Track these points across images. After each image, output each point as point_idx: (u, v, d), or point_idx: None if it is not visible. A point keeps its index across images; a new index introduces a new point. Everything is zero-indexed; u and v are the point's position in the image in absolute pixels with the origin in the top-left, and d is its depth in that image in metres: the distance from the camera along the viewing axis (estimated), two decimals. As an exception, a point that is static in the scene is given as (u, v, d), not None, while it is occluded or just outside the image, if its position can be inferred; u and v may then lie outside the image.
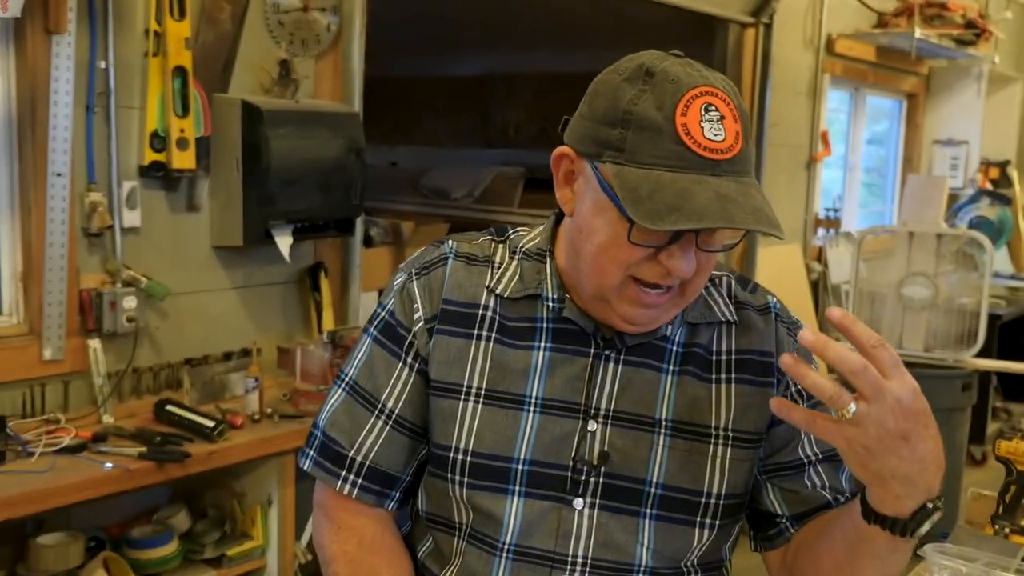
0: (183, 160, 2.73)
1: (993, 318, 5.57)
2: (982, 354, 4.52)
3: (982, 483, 2.33)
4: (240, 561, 2.65)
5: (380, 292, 1.44)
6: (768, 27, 4.86)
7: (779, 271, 5.41)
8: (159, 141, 2.71)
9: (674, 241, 1.08)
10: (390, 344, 1.25)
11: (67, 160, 2.53)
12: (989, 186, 7.08)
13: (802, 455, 1.25)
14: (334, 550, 1.25)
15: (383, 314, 1.27)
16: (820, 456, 1.25)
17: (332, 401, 1.28)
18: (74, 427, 2.47)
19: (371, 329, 1.28)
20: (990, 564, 1.87)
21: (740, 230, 1.12)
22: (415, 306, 1.24)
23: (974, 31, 5.97)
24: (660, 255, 1.09)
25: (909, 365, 3.74)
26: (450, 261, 1.26)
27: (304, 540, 2.91)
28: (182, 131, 2.72)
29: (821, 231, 5.84)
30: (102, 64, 2.60)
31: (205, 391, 2.80)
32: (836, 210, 5.94)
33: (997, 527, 2.15)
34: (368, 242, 3.97)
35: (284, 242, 2.91)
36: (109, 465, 2.28)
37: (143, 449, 2.37)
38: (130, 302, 2.65)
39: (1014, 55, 7.76)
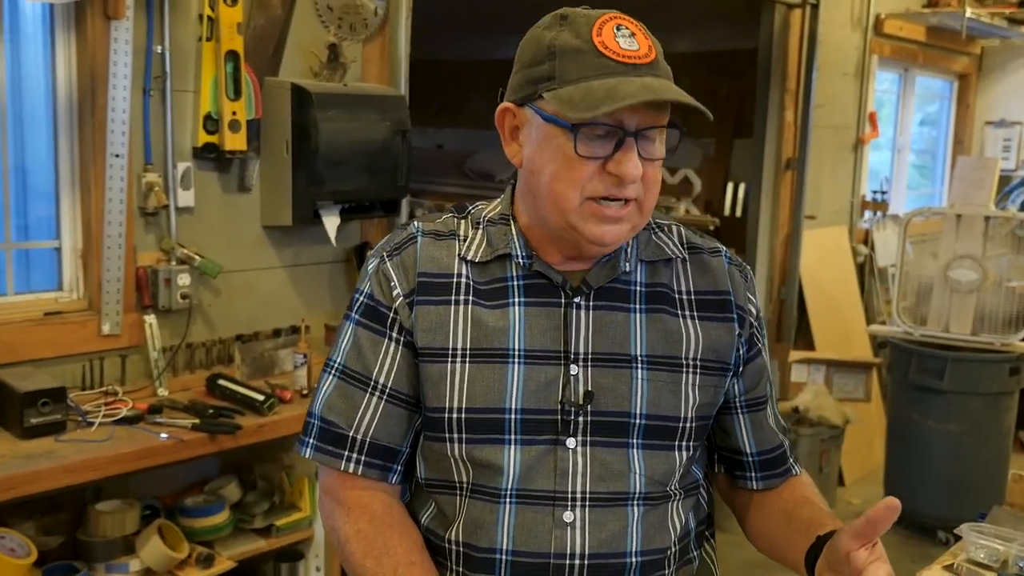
0: (235, 142, 2.81)
1: (1043, 302, 5.52)
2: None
3: (1030, 468, 2.33)
4: (288, 531, 2.74)
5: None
6: (815, 7, 4.83)
7: (824, 253, 5.39)
8: (212, 123, 2.79)
9: (618, 149, 1.19)
10: (373, 324, 1.30)
11: (125, 141, 2.62)
12: (1042, 168, 6.97)
13: (767, 389, 1.42)
14: (347, 531, 1.29)
15: (361, 298, 1.32)
16: (770, 392, 1.42)
17: (324, 388, 1.32)
18: (131, 399, 2.57)
19: (352, 314, 1.33)
20: (1028, 543, 1.90)
21: (671, 142, 1.25)
22: (392, 284, 1.30)
23: (1028, 10, 5.87)
24: (608, 166, 1.20)
25: (956, 349, 3.74)
26: (419, 239, 1.32)
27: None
28: (234, 114, 2.80)
29: (868, 214, 5.80)
30: (158, 49, 2.69)
31: (255, 366, 2.89)
32: (884, 192, 5.89)
33: (1036, 508, 2.17)
34: (414, 223, 4.04)
35: (331, 223, 2.98)
36: (164, 436, 2.38)
37: (196, 421, 2.45)
38: (184, 279, 2.74)
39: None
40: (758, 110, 5.08)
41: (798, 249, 5.02)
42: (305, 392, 2.75)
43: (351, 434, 1.29)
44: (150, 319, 2.72)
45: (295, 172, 2.89)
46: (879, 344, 5.36)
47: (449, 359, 1.26)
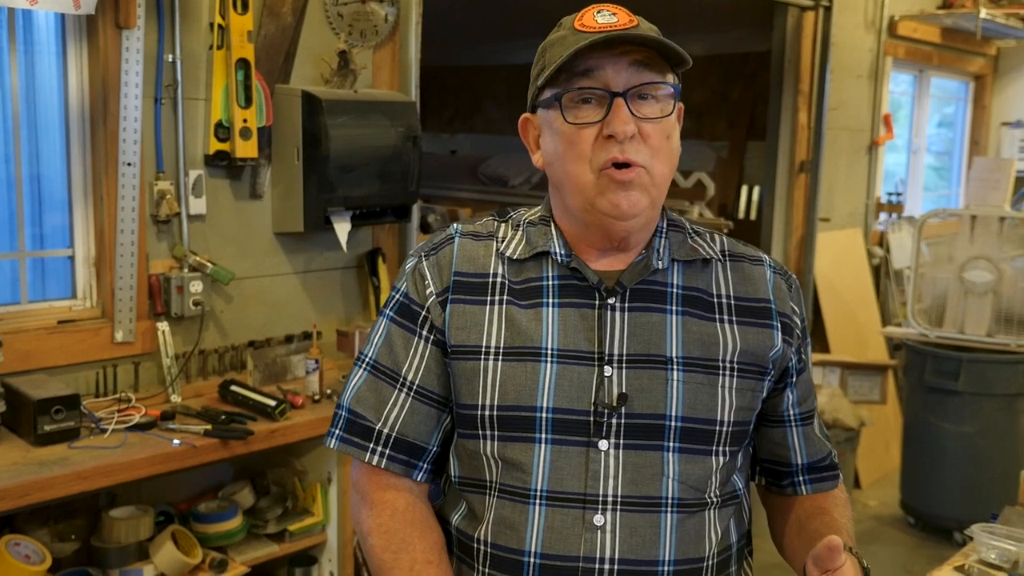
0: (246, 149, 2.83)
1: (1061, 303, 5.48)
2: (1047, 339, 4.46)
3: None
4: (301, 536, 2.75)
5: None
6: (828, 10, 4.82)
7: (839, 255, 5.37)
8: (223, 131, 2.81)
9: (609, 111, 1.22)
10: (405, 322, 1.32)
11: (137, 150, 2.64)
12: (1060, 169, 6.93)
13: (814, 401, 1.40)
14: (370, 524, 1.31)
15: (397, 296, 1.34)
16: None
17: (355, 381, 1.34)
18: (144, 406, 2.58)
19: (387, 311, 1.35)
20: (1039, 545, 1.89)
21: (668, 106, 1.26)
22: (426, 283, 1.31)
23: (1042, 10, 5.84)
24: (603, 131, 1.22)
25: (971, 350, 3.72)
26: (456, 239, 1.34)
27: (363, 517, 3.00)
28: (245, 121, 2.82)
29: (883, 216, 5.78)
30: (169, 57, 2.71)
31: (267, 372, 2.90)
32: (899, 194, 5.87)
33: (1048, 509, 2.16)
34: (425, 228, 4.05)
35: (342, 228, 2.99)
36: (177, 442, 2.39)
37: (208, 427, 2.47)
38: (196, 286, 2.75)
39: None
40: (771, 113, 5.07)
41: (812, 251, 5.00)
42: (317, 398, 2.76)
43: (377, 427, 1.30)
44: (163, 326, 2.74)
45: (306, 179, 2.91)
46: (894, 346, 5.33)
47: (482, 357, 1.27)
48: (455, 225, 1.38)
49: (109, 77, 2.62)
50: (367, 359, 1.34)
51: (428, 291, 1.31)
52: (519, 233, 1.34)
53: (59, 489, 2.19)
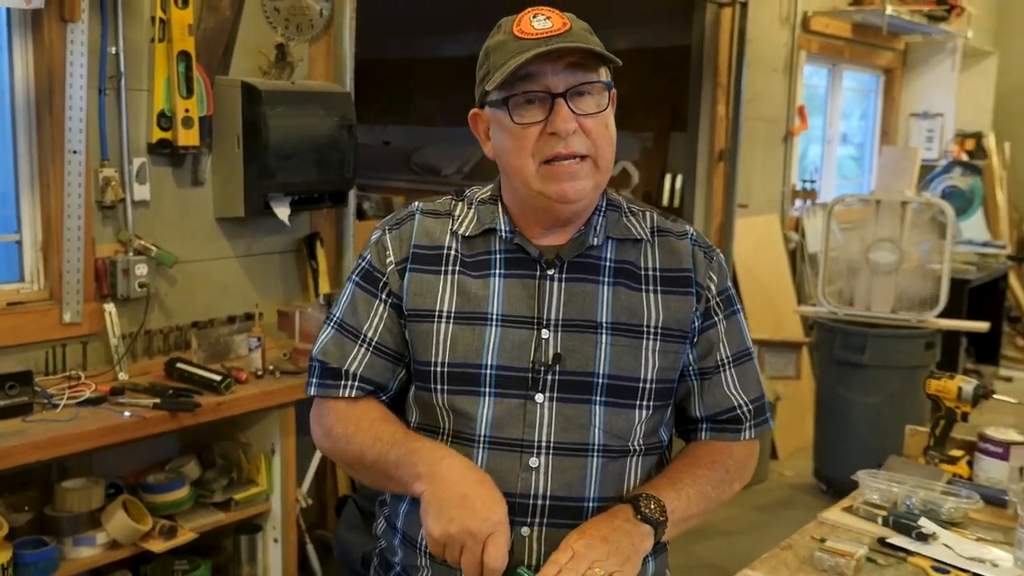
0: (188, 138, 2.95)
1: (963, 283, 5.83)
2: (950, 316, 4.77)
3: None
4: (246, 505, 2.89)
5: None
6: (744, 6, 5.07)
7: (758, 241, 5.63)
8: (166, 120, 2.94)
9: (552, 111, 1.37)
10: (368, 286, 1.51)
11: (82, 139, 2.76)
12: (965, 157, 7.30)
13: (719, 357, 1.53)
14: (330, 420, 1.49)
15: (363, 264, 1.53)
16: (731, 359, 1.54)
17: (323, 336, 1.53)
18: (94, 382, 2.71)
19: (354, 276, 1.54)
20: (916, 485, 2.12)
21: (604, 100, 1.41)
22: (387, 253, 1.49)
23: (945, 7, 6.17)
24: (547, 128, 1.37)
25: (876, 326, 4.02)
26: (417, 216, 1.52)
27: (305, 486, 3.15)
28: (187, 111, 2.94)
29: (798, 202, 6.07)
30: (112, 50, 2.82)
31: (211, 351, 3.04)
32: (812, 182, 6.16)
33: (928, 457, 2.40)
34: (361, 215, 4.20)
35: (283, 214, 3.14)
36: (128, 414, 2.52)
37: (158, 400, 2.60)
38: (142, 269, 2.88)
39: (990, 30, 7.97)
40: (692, 104, 5.30)
41: (731, 236, 5.26)
42: (260, 373, 2.91)
43: (344, 368, 1.48)
44: (110, 308, 2.86)
45: (246, 166, 3.04)
46: (809, 325, 5.62)
47: (436, 320, 1.45)
48: (417, 203, 1.55)
49: (54, 68, 2.72)
50: (335, 318, 1.52)
51: (388, 260, 1.48)
52: (471, 211, 1.51)
53: (16, 458, 2.31)
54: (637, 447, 1.47)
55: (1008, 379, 6.87)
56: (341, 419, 1.48)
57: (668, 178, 6.28)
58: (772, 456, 5.17)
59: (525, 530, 1.41)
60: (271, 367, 2.96)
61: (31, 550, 2.43)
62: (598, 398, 1.43)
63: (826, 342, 4.66)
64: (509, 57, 1.37)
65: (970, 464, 2.33)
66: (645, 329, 1.45)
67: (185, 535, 2.67)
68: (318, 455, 3.30)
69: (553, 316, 1.43)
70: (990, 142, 7.83)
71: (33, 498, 2.59)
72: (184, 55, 2.93)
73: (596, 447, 1.43)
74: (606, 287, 1.46)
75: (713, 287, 1.52)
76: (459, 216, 1.51)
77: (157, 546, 2.60)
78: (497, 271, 1.46)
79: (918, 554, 1.87)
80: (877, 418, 4.43)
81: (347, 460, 1.49)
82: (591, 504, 1.43)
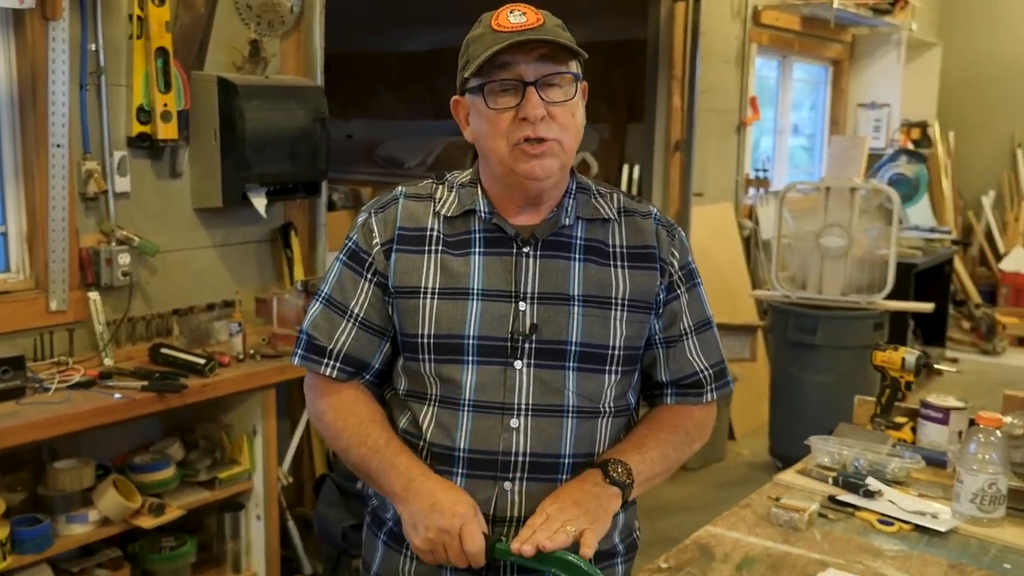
0: (167, 131, 3.06)
1: (910, 267, 6.06)
2: (897, 299, 4.99)
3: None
4: (229, 483, 3.01)
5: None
6: (697, 1, 5.23)
7: (713, 229, 5.82)
8: (145, 115, 3.04)
9: (523, 99, 1.50)
10: (355, 266, 1.63)
11: (65, 133, 2.85)
12: (911, 146, 7.56)
13: (682, 326, 1.68)
14: (322, 406, 1.63)
15: (350, 244, 1.66)
16: (693, 328, 1.68)
17: (313, 311, 1.66)
18: (82, 367, 2.81)
19: (341, 256, 1.67)
20: (864, 449, 2.29)
21: (571, 90, 1.54)
22: (373, 235, 1.62)
23: (889, 1, 6.39)
24: (519, 114, 1.50)
25: (827, 308, 4.23)
26: (401, 200, 1.65)
27: (286, 465, 3.28)
28: (165, 105, 3.04)
29: (752, 191, 6.26)
30: (93, 47, 2.92)
31: (192, 337, 3.15)
32: (765, 171, 6.36)
33: (875, 424, 2.58)
34: (331, 206, 4.31)
35: (259, 203, 3.25)
36: (118, 396, 2.63)
37: (145, 383, 2.71)
38: (124, 259, 2.98)
39: (933, 22, 8.23)
40: (648, 96, 5.47)
41: (688, 224, 5.43)
42: (242, 357, 3.03)
43: (329, 347, 1.61)
44: (94, 296, 2.96)
45: (224, 158, 3.15)
46: (764, 310, 5.82)
47: (421, 296, 1.58)
48: (400, 188, 1.68)
49: (37, 65, 2.81)
50: (323, 295, 1.64)
51: (374, 241, 1.61)
52: (452, 194, 1.64)
53: (12, 438, 2.41)
54: (607, 409, 1.61)
55: (954, 360, 7.13)
56: (332, 408, 1.61)
57: (626, 168, 6.45)
58: (730, 437, 5.37)
59: (507, 485, 1.55)
60: (251, 351, 3.07)
61: (27, 527, 2.53)
62: (571, 364, 1.57)
63: (780, 324, 4.85)
64: (486, 48, 1.50)
65: (914, 430, 2.49)
66: (613, 301, 1.59)
67: (173, 512, 2.79)
68: (297, 436, 3.43)
69: (529, 290, 1.57)
70: (935, 131, 8.11)
71: (26, 479, 2.69)
72: (162, 51, 3.03)
73: (570, 409, 1.57)
74: (577, 263, 1.59)
75: (675, 262, 1.65)
76: (440, 199, 1.64)
77: (147, 522, 2.71)
78: (477, 249, 1.59)
79: (865, 509, 2.02)
80: (829, 396, 4.62)
81: (335, 448, 1.63)
82: (566, 460, 1.57)
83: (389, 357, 1.64)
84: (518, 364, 1.56)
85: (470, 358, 1.56)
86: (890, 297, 4.81)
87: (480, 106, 1.54)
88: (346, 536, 2.26)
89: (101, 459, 2.87)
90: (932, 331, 7.09)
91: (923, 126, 7.71)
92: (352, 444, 1.57)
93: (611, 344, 1.59)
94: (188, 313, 3.18)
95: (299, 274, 3.49)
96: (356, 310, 1.61)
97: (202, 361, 2.85)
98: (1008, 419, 2.24)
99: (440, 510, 1.44)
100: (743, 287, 5.90)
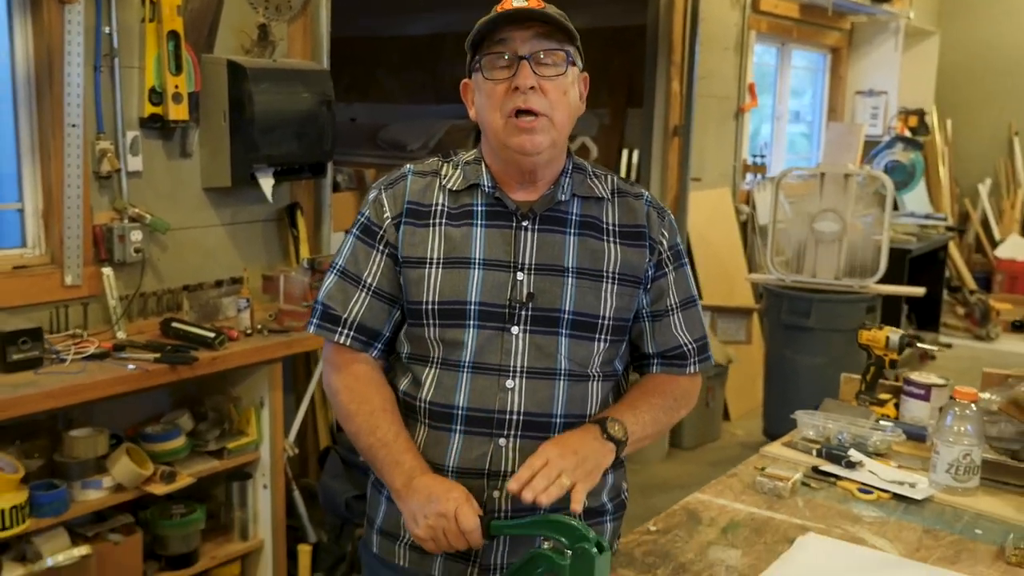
0: (177, 112, 3.15)
1: (904, 253, 6.16)
2: (888, 283, 5.09)
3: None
4: (237, 453, 3.11)
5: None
6: (697, -12, 5.31)
7: (711, 213, 5.91)
8: (156, 96, 3.13)
9: (516, 73, 1.60)
10: (367, 239, 1.74)
11: (80, 113, 2.94)
12: (908, 133, 7.64)
13: (668, 302, 1.79)
14: (338, 384, 1.73)
15: (362, 219, 1.76)
16: (679, 304, 1.79)
17: (328, 283, 1.76)
18: (97, 340, 2.91)
19: (354, 230, 1.77)
20: (848, 423, 2.39)
21: (563, 68, 1.63)
22: (384, 209, 1.73)
23: (888, -11, 6.47)
24: (512, 84, 1.61)
25: (821, 292, 4.35)
26: (409, 176, 1.76)
27: (291, 436, 3.38)
28: (176, 87, 3.13)
29: (749, 176, 6.35)
30: (106, 29, 3.00)
31: (202, 312, 3.24)
32: (763, 156, 6.44)
33: (859, 400, 2.67)
34: (335, 187, 4.41)
35: (267, 183, 3.34)
36: (132, 367, 2.73)
37: (158, 355, 2.81)
38: (136, 235, 3.07)
39: (931, 10, 8.30)
40: (647, 82, 5.55)
41: (686, 208, 5.52)
42: (249, 332, 3.13)
43: (344, 316, 1.71)
44: (107, 271, 3.06)
45: (232, 139, 3.24)
46: (759, 293, 5.92)
47: (427, 265, 1.68)
48: (408, 166, 1.78)
49: (53, 47, 2.90)
50: (338, 267, 1.74)
51: (385, 215, 1.71)
52: (458, 171, 1.74)
53: (32, 406, 2.51)
54: (596, 373, 1.72)
55: (948, 345, 7.23)
56: (347, 388, 1.71)
57: (625, 153, 6.54)
58: (725, 417, 5.47)
59: (502, 441, 1.66)
60: (259, 326, 3.17)
61: (44, 492, 2.63)
62: (564, 331, 1.67)
63: (775, 308, 4.96)
64: (487, 24, 1.62)
65: (897, 407, 2.59)
66: (605, 274, 1.70)
67: (184, 479, 2.89)
68: (303, 409, 3.53)
69: (527, 261, 1.67)
70: (932, 119, 8.19)
71: (43, 446, 2.79)
72: (173, 34, 3.11)
73: (562, 372, 1.68)
74: (572, 237, 1.70)
75: (665, 242, 1.77)
76: (446, 175, 1.74)
77: (159, 489, 2.81)
78: (479, 222, 1.69)
79: (846, 479, 2.12)
80: (821, 378, 4.71)
81: (346, 428, 1.73)
82: (558, 420, 1.68)
83: (398, 324, 1.74)
84: (515, 330, 1.66)
85: (472, 322, 1.66)
86: (883, 282, 4.92)
87: (479, 80, 1.65)
88: (349, 506, 2.39)
89: (114, 429, 2.97)
90: (926, 316, 7.19)
91: (920, 114, 7.80)
92: (363, 431, 1.67)
93: (601, 314, 1.69)
94: (197, 289, 3.28)
95: (305, 252, 3.59)
96: (369, 280, 1.71)
97: (212, 335, 2.95)
98: (986, 395, 2.34)
99: (436, 499, 1.54)
100: (739, 270, 5.99)
